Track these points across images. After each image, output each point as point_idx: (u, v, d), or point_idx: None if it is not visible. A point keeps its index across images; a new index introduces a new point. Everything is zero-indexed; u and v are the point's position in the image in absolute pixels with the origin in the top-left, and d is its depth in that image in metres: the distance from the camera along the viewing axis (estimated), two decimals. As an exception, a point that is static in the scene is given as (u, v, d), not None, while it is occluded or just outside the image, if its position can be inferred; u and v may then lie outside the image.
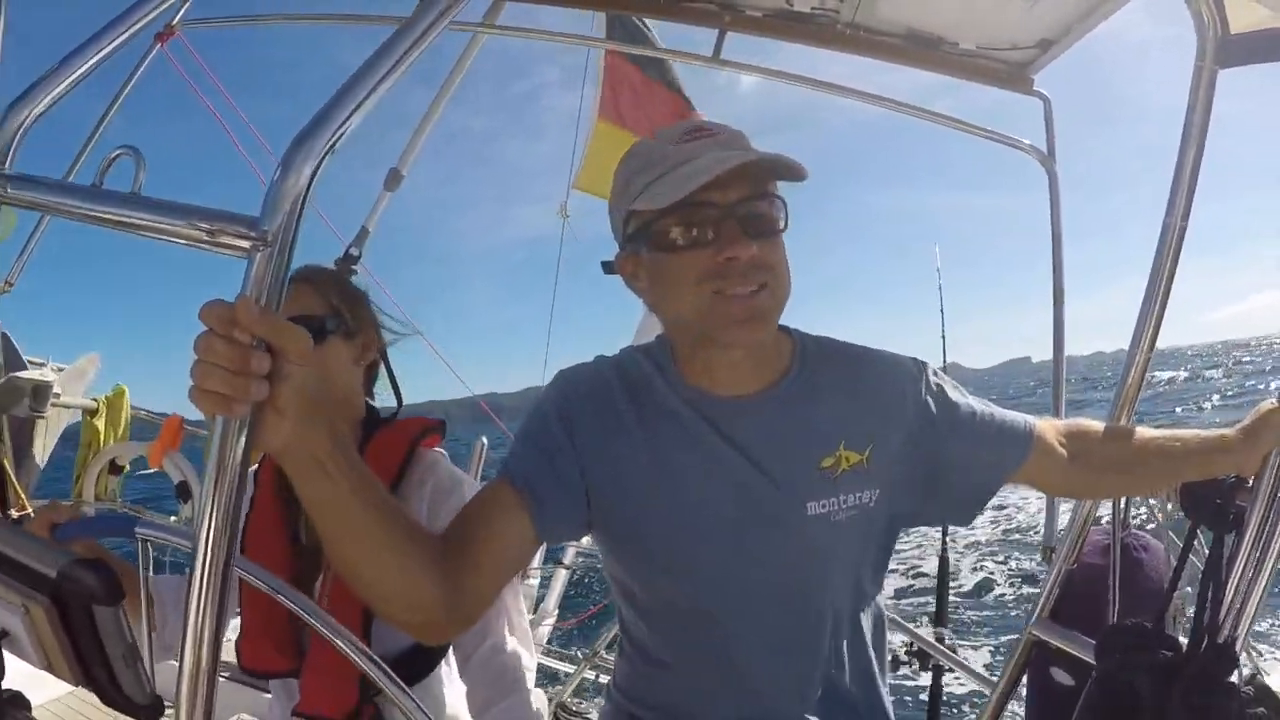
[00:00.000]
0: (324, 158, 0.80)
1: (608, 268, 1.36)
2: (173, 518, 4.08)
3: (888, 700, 1.48)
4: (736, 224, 1.18)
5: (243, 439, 0.83)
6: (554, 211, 4.61)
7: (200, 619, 0.84)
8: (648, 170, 1.23)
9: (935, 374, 1.44)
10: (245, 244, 0.78)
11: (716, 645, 1.34)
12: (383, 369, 1.89)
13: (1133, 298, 1.73)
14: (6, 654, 1.15)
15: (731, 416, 1.31)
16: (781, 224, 1.24)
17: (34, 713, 1.29)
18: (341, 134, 0.81)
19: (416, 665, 1.65)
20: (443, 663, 1.73)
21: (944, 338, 4.34)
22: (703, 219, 1.19)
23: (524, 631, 1.73)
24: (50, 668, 1.13)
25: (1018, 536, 14.59)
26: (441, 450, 1.80)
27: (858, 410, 1.35)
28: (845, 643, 1.39)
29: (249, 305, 0.80)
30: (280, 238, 0.78)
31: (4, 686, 1.21)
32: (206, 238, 0.79)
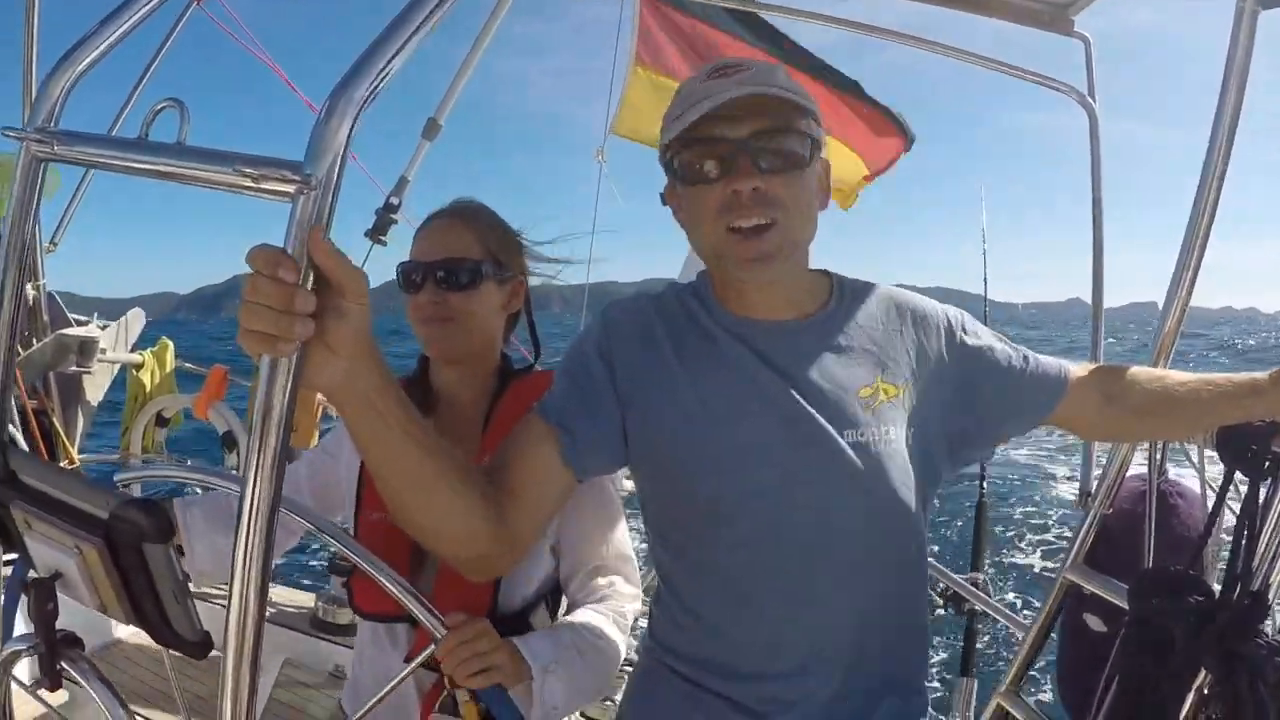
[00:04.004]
0: (366, 102, 0.81)
1: (663, 200, 1.41)
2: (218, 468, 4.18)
3: (926, 654, 1.49)
4: (747, 157, 1.22)
5: (289, 380, 0.84)
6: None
7: (247, 563, 0.86)
8: (677, 106, 1.28)
9: (970, 320, 1.46)
10: (290, 188, 0.79)
11: (753, 585, 1.33)
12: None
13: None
14: (60, 595, 1.19)
15: (769, 340, 1.33)
16: (806, 159, 1.26)
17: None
18: (384, 78, 0.82)
19: (538, 615, 1.66)
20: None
21: (986, 268, 4.22)
22: (716, 153, 1.24)
23: (635, 580, 1.72)
24: (103, 607, 1.16)
25: (1056, 480, 14.54)
26: None
27: (896, 348, 1.37)
28: (889, 589, 1.37)
29: (320, 237, 0.82)
30: (324, 181, 0.79)
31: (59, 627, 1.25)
32: (251, 183, 0.80)
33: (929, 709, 1.48)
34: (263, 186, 0.80)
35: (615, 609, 1.63)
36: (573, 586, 1.67)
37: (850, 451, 1.29)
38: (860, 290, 1.43)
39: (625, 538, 1.73)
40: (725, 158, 1.23)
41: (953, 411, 1.40)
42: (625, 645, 1.62)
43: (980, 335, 1.46)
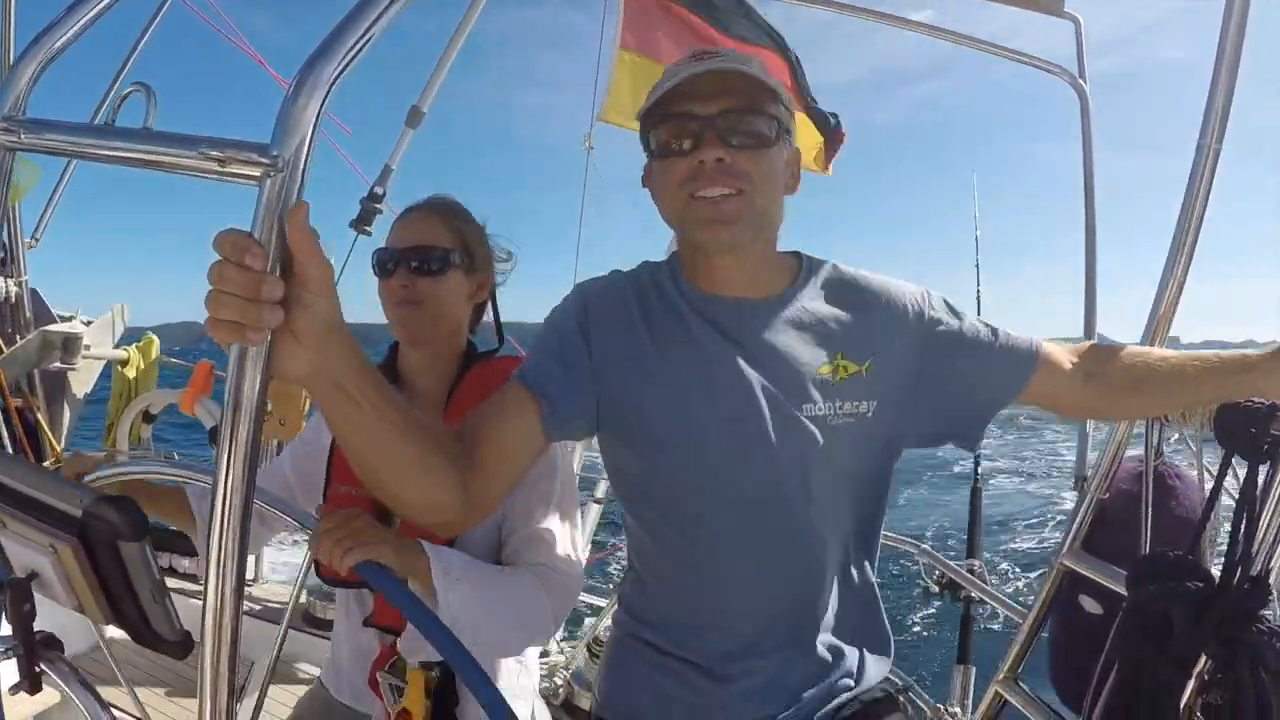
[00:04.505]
0: (335, 80, 0.77)
1: (643, 181, 1.45)
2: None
3: (885, 620, 1.53)
4: (714, 133, 1.28)
5: (260, 370, 0.82)
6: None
7: (222, 554, 0.84)
8: (656, 86, 1.34)
9: (937, 297, 1.47)
10: (256, 171, 0.76)
11: (712, 555, 1.38)
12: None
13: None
14: (38, 596, 1.17)
15: (733, 317, 1.37)
16: (772, 139, 1.31)
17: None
18: (354, 56, 0.79)
19: None
20: None
21: (979, 287, 4.21)
22: (685, 128, 1.30)
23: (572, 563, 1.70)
24: (81, 608, 1.14)
25: (1052, 468, 14.61)
26: None
27: (859, 326, 1.40)
28: (842, 559, 1.43)
29: (300, 218, 0.80)
30: (292, 163, 0.76)
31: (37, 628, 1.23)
32: (218, 167, 0.77)
33: (891, 652, 1.54)
34: (229, 170, 0.77)
35: (546, 570, 1.63)
36: (510, 546, 1.67)
37: (806, 425, 1.33)
38: (826, 270, 1.46)
39: (574, 513, 1.77)
40: (695, 133, 1.29)
41: (922, 386, 1.41)
42: (551, 609, 1.59)
43: (949, 310, 1.47)
